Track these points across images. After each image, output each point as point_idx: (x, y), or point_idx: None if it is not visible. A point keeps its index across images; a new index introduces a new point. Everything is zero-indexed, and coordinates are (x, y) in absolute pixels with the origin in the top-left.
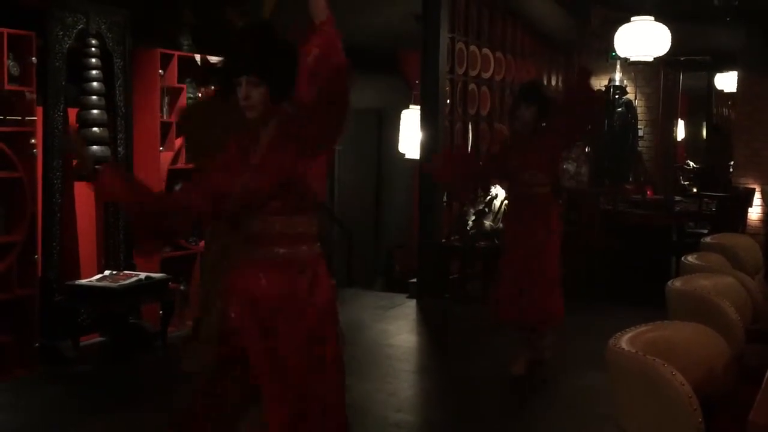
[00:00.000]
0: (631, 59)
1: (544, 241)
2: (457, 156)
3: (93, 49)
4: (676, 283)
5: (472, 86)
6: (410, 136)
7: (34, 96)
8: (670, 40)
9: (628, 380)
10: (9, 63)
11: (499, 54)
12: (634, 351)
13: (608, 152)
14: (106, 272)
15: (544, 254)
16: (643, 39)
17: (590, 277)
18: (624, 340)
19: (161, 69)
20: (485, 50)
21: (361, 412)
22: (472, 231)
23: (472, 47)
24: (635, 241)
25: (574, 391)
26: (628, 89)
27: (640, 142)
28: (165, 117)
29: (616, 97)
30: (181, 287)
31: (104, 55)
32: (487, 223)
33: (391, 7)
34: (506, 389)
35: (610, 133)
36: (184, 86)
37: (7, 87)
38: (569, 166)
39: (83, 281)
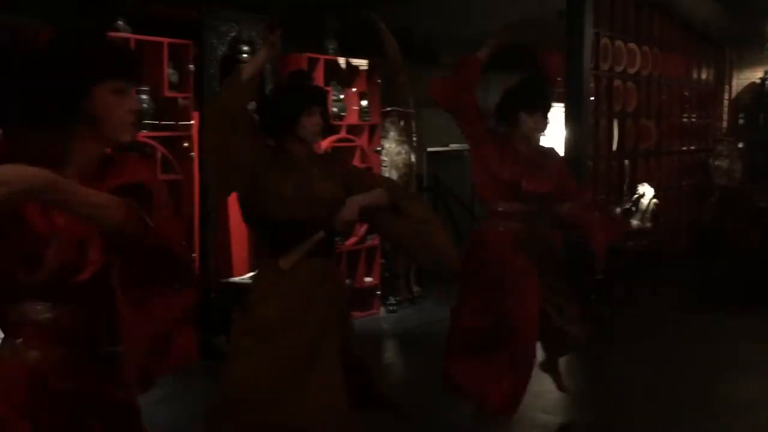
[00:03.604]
0: None
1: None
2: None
3: (245, 55)
4: None
5: (617, 82)
6: (553, 134)
7: (191, 102)
8: None
9: None
10: (169, 71)
11: (645, 48)
12: None
13: (763, 147)
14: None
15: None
16: None
17: (744, 279)
18: None
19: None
20: (631, 45)
21: None
22: None
23: (618, 42)
24: None
25: (731, 401)
26: None
27: None
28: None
29: None
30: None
31: None
32: (635, 222)
33: (531, 4)
34: (658, 392)
35: (765, 128)
36: (330, 89)
37: (166, 94)
38: (721, 163)
39: (236, 279)
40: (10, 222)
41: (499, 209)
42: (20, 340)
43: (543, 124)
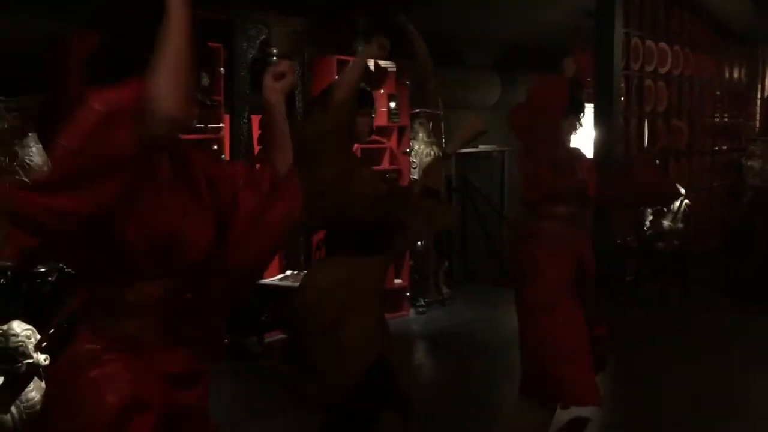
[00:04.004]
0: None
1: None
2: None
3: (274, 58)
4: None
5: (648, 82)
6: (582, 134)
7: (222, 105)
8: None
9: None
10: (200, 74)
11: (676, 48)
12: None
13: None
14: (288, 272)
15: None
16: None
17: None
18: None
19: (337, 75)
20: (662, 44)
21: None
22: (649, 231)
23: (648, 42)
24: None
25: (759, 399)
26: None
27: None
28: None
29: None
30: None
31: None
32: (666, 223)
33: (561, 4)
34: (690, 393)
35: None
36: None
37: (198, 97)
38: (754, 163)
39: (267, 281)
40: (144, 203)
41: (552, 211)
42: (134, 320)
43: (576, 127)
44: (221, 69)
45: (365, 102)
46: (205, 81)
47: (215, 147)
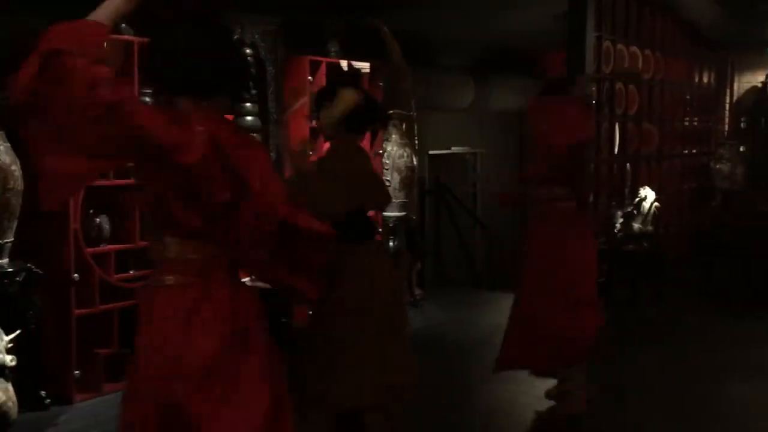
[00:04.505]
0: None
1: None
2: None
3: (247, 58)
4: None
5: (619, 86)
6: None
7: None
8: None
9: None
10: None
11: (647, 52)
12: None
13: (765, 150)
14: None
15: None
16: None
17: (747, 282)
18: None
19: (310, 75)
20: (633, 48)
21: (504, 414)
22: (619, 234)
23: (620, 45)
24: None
25: (733, 403)
26: None
27: None
28: (314, 122)
29: None
30: None
31: (257, 64)
32: (636, 225)
33: (533, 7)
34: (662, 395)
35: (767, 131)
36: None
37: None
38: (723, 167)
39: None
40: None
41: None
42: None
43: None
44: None
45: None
46: None
47: None
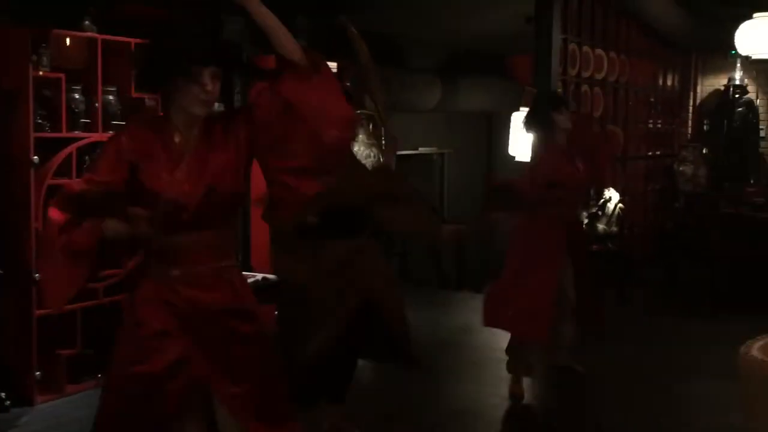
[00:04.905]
0: (753, 57)
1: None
2: None
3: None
4: None
5: (585, 88)
6: (520, 138)
7: (158, 103)
8: None
9: (760, 389)
10: (135, 72)
11: (612, 54)
12: (767, 359)
13: (728, 153)
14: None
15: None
16: (765, 36)
17: (710, 284)
18: (756, 348)
19: None
20: (599, 51)
21: (472, 414)
22: None
23: (585, 48)
24: (757, 245)
25: (695, 402)
26: (749, 88)
27: (762, 143)
28: None
29: (736, 96)
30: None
31: None
32: (601, 226)
33: (501, 9)
34: (624, 394)
35: (730, 134)
36: None
37: (133, 94)
38: (686, 169)
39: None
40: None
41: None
42: (174, 267)
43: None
44: None
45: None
46: None
47: None
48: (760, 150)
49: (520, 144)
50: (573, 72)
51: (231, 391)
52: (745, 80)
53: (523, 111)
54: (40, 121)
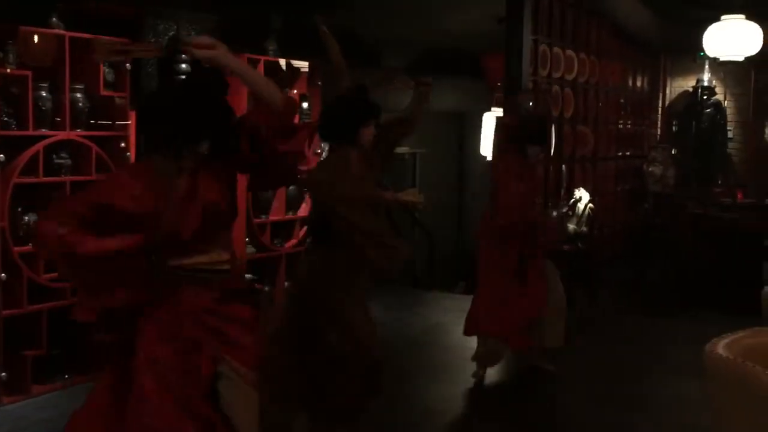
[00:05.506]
0: (721, 59)
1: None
2: None
3: (183, 55)
4: None
5: (555, 88)
6: (492, 138)
7: (128, 101)
8: (762, 39)
9: (725, 387)
10: (105, 69)
11: (583, 55)
12: (732, 357)
13: (696, 154)
14: None
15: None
16: (733, 38)
17: (678, 283)
18: (721, 346)
19: None
20: (569, 52)
21: (440, 414)
22: None
23: (556, 49)
24: (725, 245)
25: (664, 400)
26: (717, 90)
27: (730, 144)
28: None
29: (705, 98)
30: (266, 288)
31: (194, 61)
32: (571, 226)
33: (473, 9)
34: (593, 391)
35: (698, 135)
36: None
37: (102, 92)
38: (655, 169)
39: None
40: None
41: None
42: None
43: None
44: (127, 65)
45: (372, 114)
46: (110, 76)
47: (123, 144)
48: (728, 151)
49: (490, 145)
50: (544, 73)
51: (241, 341)
52: (713, 82)
53: (495, 111)
54: (6, 118)
